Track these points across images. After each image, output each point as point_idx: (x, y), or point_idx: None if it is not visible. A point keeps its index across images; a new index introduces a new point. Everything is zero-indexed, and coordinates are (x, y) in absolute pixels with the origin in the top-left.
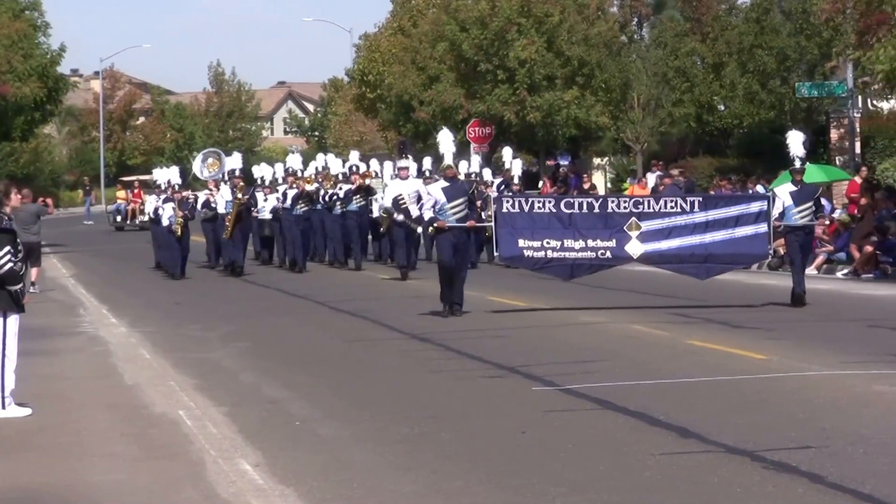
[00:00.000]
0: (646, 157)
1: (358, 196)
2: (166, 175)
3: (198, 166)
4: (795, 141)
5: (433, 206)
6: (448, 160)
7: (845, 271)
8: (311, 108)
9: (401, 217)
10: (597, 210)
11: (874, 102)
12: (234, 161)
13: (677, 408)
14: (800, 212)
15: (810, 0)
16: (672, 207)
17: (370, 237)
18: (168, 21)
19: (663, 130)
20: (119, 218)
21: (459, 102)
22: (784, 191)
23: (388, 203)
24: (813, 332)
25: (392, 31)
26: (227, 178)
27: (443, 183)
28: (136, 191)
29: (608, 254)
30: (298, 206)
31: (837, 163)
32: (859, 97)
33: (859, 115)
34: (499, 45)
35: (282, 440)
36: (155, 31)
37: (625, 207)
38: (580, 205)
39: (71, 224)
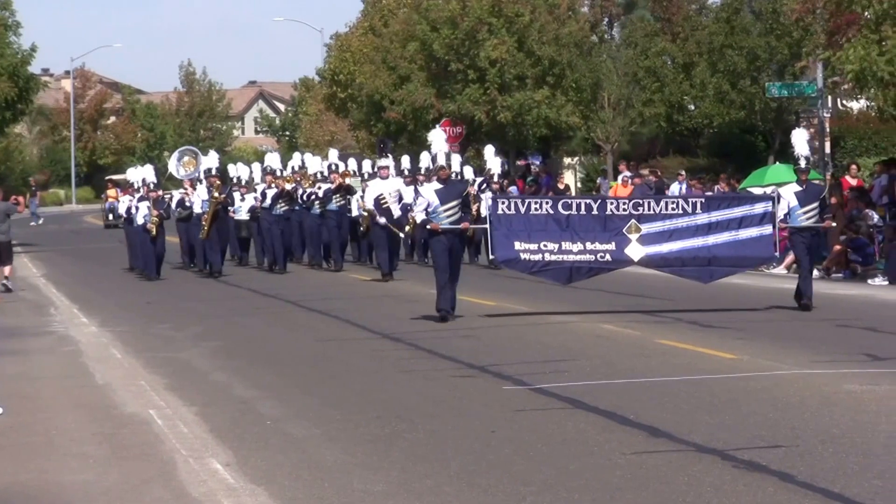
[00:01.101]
0: (616, 156)
1: (337, 195)
2: (140, 174)
3: (173, 165)
4: (800, 139)
5: (425, 209)
6: (441, 160)
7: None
8: (281, 107)
9: (382, 220)
10: (595, 212)
11: (844, 102)
12: (211, 160)
13: (647, 407)
14: (805, 213)
15: (780, 0)
16: (673, 209)
17: (349, 238)
18: (139, 21)
19: (634, 130)
20: (111, 216)
21: (430, 102)
22: (789, 191)
23: (369, 203)
24: (783, 331)
25: (363, 30)
26: (203, 177)
27: (436, 184)
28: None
29: (607, 257)
30: (278, 206)
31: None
32: (829, 97)
33: (829, 114)
34: (469, 44)
35: (252, 440)
36: (126, 31)
37: (624, 209)
38: (578, 206)
39: (42, 223)
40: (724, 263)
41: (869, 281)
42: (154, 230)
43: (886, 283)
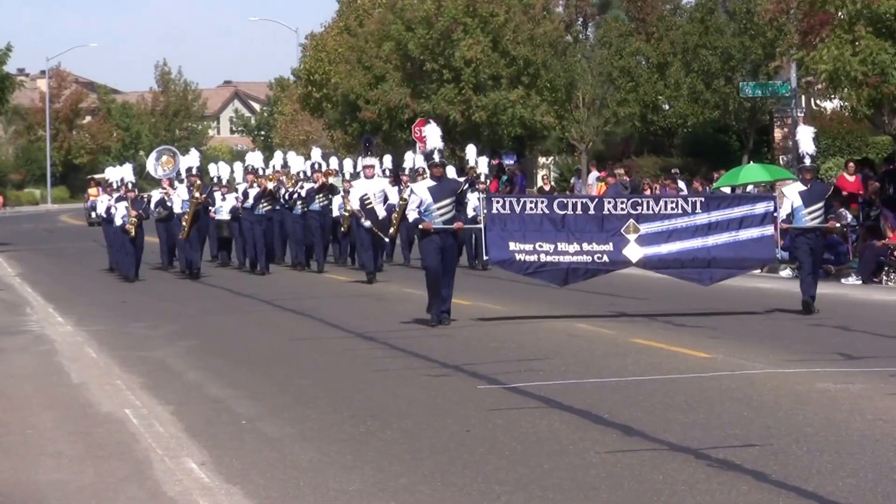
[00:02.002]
0: (591, 156)
1: (320, 195)
2: (119, 173)
3: (152, 164)
4: (805, 137)
5: (418, 207)
6: (436, 157)
7: (788, 270)
8: (257, 107)
9: (367, 223)
10: (592, 211)
11: (817, 102)
12: (191, 159)
13: (622, 406)
14: (810, 213)
15: (754, 0)
16: (672, 209)
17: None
18: (114, 20)
19: (608, 130)
20: (94, 214)
21: (405, 102)
22: (793, 190)
23: (354, 203)
24: (756, 330)
25: (338, 30)
26: (183, 176)
27: (429, 182)
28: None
29: (605, 258)
30: (261, 206)
31: (781, 162)
32: (803, 97)
33: (803, 114)
34: (444, 44)
35: (227, 439)
36: (101, 31)
37: (622, 209)
38: (574, 205)
39: (15, 223)
40: (724, 265)
41: (842, 280)
42: (132, 231)
43: (859, 282)
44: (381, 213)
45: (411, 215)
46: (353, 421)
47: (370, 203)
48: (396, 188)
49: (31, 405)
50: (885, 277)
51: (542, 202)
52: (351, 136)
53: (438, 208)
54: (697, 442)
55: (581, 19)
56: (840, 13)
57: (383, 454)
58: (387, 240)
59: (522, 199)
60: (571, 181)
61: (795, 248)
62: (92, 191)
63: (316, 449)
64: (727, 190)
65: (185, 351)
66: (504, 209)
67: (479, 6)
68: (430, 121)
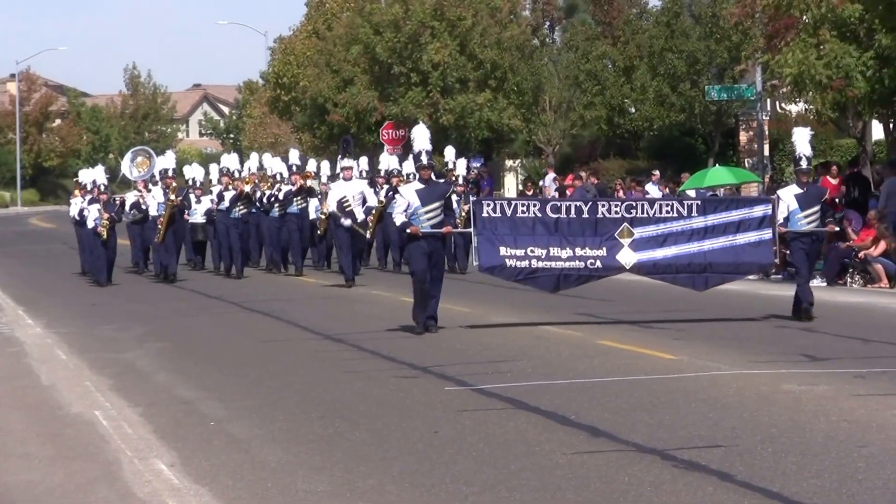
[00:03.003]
0: (557, 159)
1: (298, 197)
2: (91, 175)
3: (126, 166)
4: (801, 138)
5: (405, 211)
6: (424, 159)
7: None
8: (226, 110)
9: (347, 222)
10: (585, 215)
11: (782, 105)
12: (167, 160)
13: (588, 407)
14: (806, 216)
15: (720, 4)
16: (668, 212)
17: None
18: (84, 23)
19: (575, 133)
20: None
21: (373, 105)
22: (789, 193)
23: (332, 206)
24: (722, 332)
25: (306, 34)
26: (159, 178)
27: (416, 184)
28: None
29: (598, 263)
30: (237, 209)
31: (746, 165)
32: (768, 100)
33: (768, 117)
34: (412, 48)
35: (196, 440)
36: (71, 34)
37: (616, 212)
38: (567, 209)
39: None
40: (721, 270)
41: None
42: (105, 233)
43: (824, 284)
44: (359, 215)
45: (398, 219)
46: (321, 422)
47: (349, 205)
48: (373, 190)
49: (0, 406)
50: (849, 279)
51: (535, 205)
52: (319, 140)
53: (426, 212)
54: (663, 443)
55: (548, 23)
56: (805, 17)
57: (352, 455)
58: (368, 236)
59: (514, 203)
60: (540, 184)
61: (791, 253)
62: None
63: (284, 450)
64: (692, 193)
65: (155, 353)
66: (495, 213)
67: (446, 10)
68: (420, 121)
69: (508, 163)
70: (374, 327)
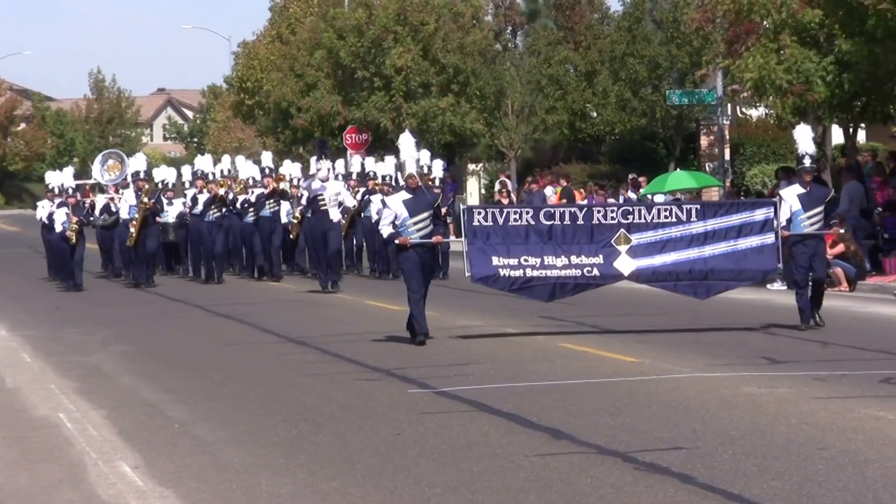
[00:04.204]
0: (520, 163)
1: (271, 201)
2: (59, 178)
3: (97, 169)
4: (804, 136)
5: (392, 222)
6: (410, 168)
7: (778, 283)
8: (190, 114)
9: (336, 218)
10: (581, 221)
11: (743, 110)
12: (139, 162)
13: (550, 410)
14: (809, 218)
15: (681, 9)
16: (666, 217)
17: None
18: (49, 28)
19: (537, 137)
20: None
21: (337, 109)
22: (791, 193)
23: (305, 198)
24: (684, 335)
25: (270, 38)
26: (131, 180)
27: (404, 195)
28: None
29: (595, 271)
30: (211, 212)
31: (707, 169)
32: (729, 105)
33: (728, 122)
34: (375, 52)
35: (161, 443)
36: (36, 38)
37: (612, 218)
38: (562, 215)
39: None
40: (723, 277)
41: (767, 286)
42: (73, 237)
43: (784, 287)
44: (335, 216)
45: (385, 231)
46: (285, 425)
47: (324, 205)
48: (348, 192)
49: None
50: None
51: (528, 212)
52: (283, 143)
53: (415, 223)
54: (625, 445)
55: (510, 28)
56: (765, 22)
57: (315, 457)
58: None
59: (506, 210)
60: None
61: (793, 257)
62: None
63: (248, 452)
64: (660, 197)
65: (120, 356)
66: (486, 221)
67: (409, 15)
68: (407, 130)
69: (471, 167)
70: (338, 331)
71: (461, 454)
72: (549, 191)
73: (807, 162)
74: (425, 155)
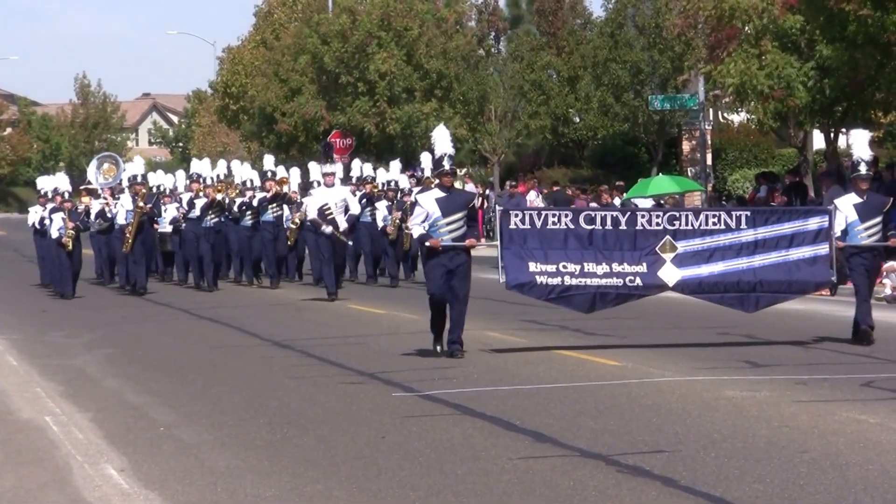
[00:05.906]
0: (503, 168)
1: (273, 205)
2: (53, 183)
3: (92, 172)
4: (860, 141)
5: (423, 222)
6: (446, 164)
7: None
8: (175, 119)
9: (329, 229)
10: (623, 226)
11: (725, 115)
12: (136, 166)
13: (533, 413)
14: (866, 229)
15: (663, 15)
16: (714, 224)
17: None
18: (35, 33)
19: (520, 142)
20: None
21: (321, 114)
22: (847, 203)
23: (312, 213)
24: (666, 339)
25: (255, 43)
26: (127, 184)
27: (437, 192)
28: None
29: (637, 281)
30: (209, 217)
31: (689, 174)
32: (710, 110)
33: (710, 127)
34: (359, 58)
35: (146, 445)
36: (21, 43)
37: (657, 223)
38: (603, 219)
39: None
40: (773, 289)
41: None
42: (70, 244)
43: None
44: (342, 224)
45: (416, 231)
46: (269, 427)
47: (331, 214)
48: (357, 196)
49: None
50: None
51: (567, 215)
52: (267, 148)
53: (448, 223)
54: (607, 448)
55: (493, 33)
56: (747, 28)
57: (299, 460)
58: (350, 243)
59: (544, 213)
60: (486, 192)
61: (850, 270)
62: (84, 199)
63: (233, 455)
64: (643, 202)
65: (105, 359)
66: (523, 224)
67: (393, 20)
68: (441, 124)
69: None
70: (323, 334)
71: (445, 457)
72: (532, 195)
73: (862, 169)
74: (426, 158)
